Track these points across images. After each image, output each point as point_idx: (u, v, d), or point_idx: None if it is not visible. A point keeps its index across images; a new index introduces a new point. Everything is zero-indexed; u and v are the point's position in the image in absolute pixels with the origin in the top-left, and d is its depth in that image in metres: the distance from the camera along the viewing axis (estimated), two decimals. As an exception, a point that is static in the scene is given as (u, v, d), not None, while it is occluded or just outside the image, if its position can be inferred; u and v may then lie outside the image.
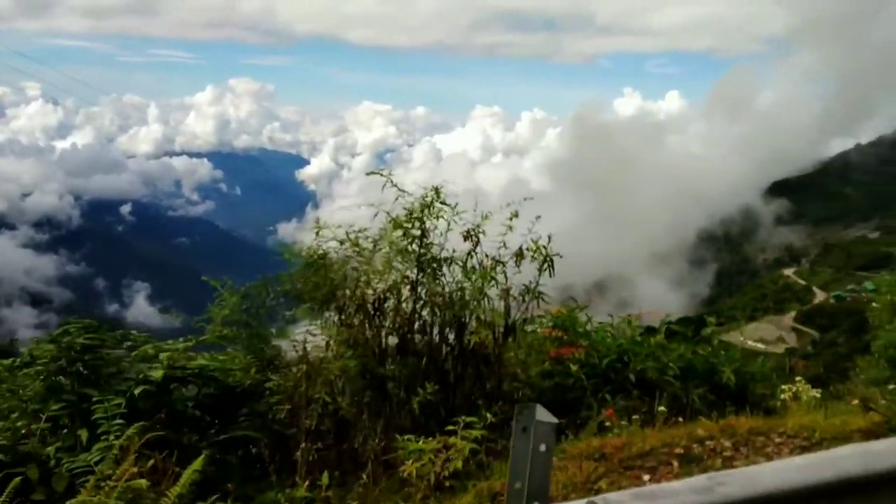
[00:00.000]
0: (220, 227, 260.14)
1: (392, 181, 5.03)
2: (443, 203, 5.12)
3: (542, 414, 1.60)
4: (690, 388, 7.34)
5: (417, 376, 5.09)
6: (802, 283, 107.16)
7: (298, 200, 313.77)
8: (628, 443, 3.88)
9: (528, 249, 5.10)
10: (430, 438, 4.57)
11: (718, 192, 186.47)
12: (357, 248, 5.10)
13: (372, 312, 4.87)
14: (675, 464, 3.60)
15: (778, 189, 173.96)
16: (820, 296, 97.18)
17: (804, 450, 3.39)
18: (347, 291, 4.91)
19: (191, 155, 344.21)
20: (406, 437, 4.63)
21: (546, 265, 5.17)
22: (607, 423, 5.65)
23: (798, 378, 5.57)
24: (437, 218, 5.23)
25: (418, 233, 5.12)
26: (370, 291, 4.86)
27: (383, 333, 5.05)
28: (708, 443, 3.72)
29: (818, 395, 5.20)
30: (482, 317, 4.79)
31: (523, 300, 4.89)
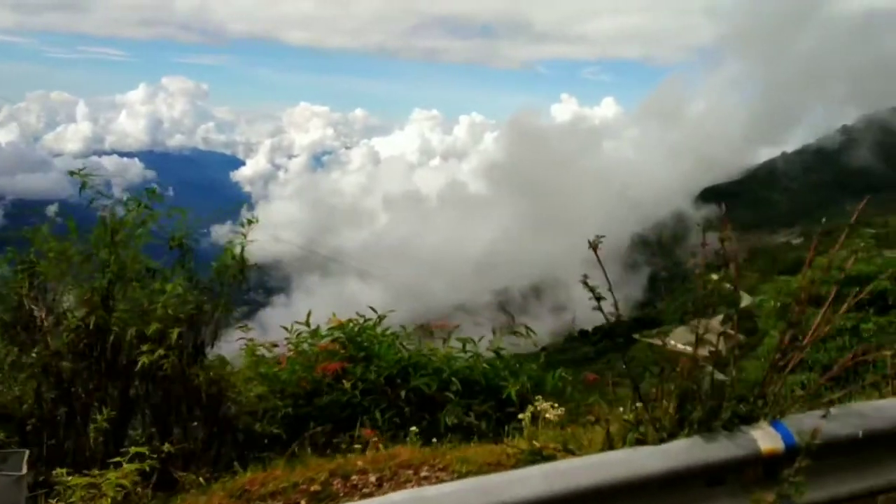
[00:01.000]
0: (151, 229, 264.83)
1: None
2: (146, 208, 4.77)
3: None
4: (474, 404, 7.26)
5: (99, 400, 4.70)
6: (730, 287, 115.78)
7: (233, 202, 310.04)
8: (278, 476, 3.62)
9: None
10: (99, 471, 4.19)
11: (651, 198, 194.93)
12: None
13: (40, 328, 4.47)
14: (303, 503, 3.37)
15: (708, 195, 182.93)
16: (746, 300, 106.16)
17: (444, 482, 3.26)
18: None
19: (121, 154, 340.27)
20: (64, 470, 4.22)
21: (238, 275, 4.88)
22: (373, 442, 5.44)
23: (538, 397, 5.46)
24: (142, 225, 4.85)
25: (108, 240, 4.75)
26: (39, 306, 4.46)
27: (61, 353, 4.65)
28: (355, 477, 3.52)
29: (560, 414, 5.12)
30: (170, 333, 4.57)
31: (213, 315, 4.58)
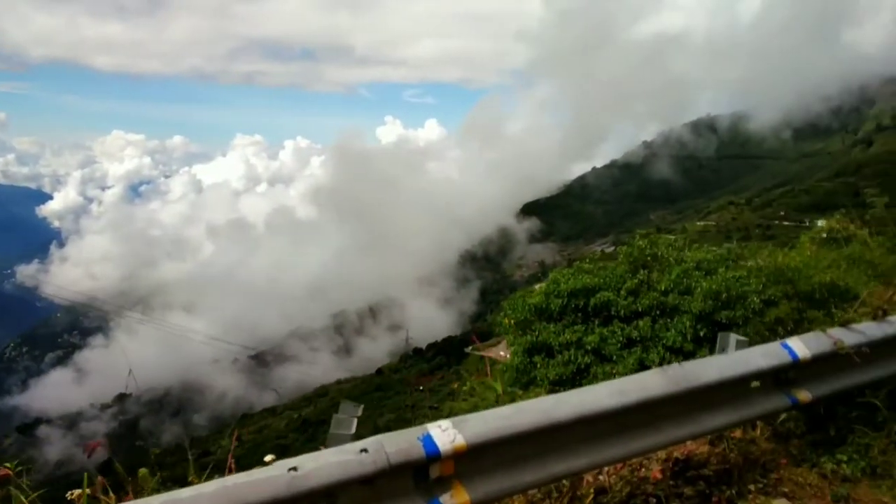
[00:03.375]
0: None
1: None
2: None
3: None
4: None
5: None
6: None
7: (41, 239, 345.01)
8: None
9: None
10: None
11: (476, 214, 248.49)
12: None
13: None
14: None
15: (529, 209, 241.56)
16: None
17: None
18: None
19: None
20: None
21: None
22: None
23: None
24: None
25: None
26: None
27: None
28: None
29: None
30: None
31: None
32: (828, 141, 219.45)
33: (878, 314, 5.23)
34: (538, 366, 10.34)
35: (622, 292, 10.59)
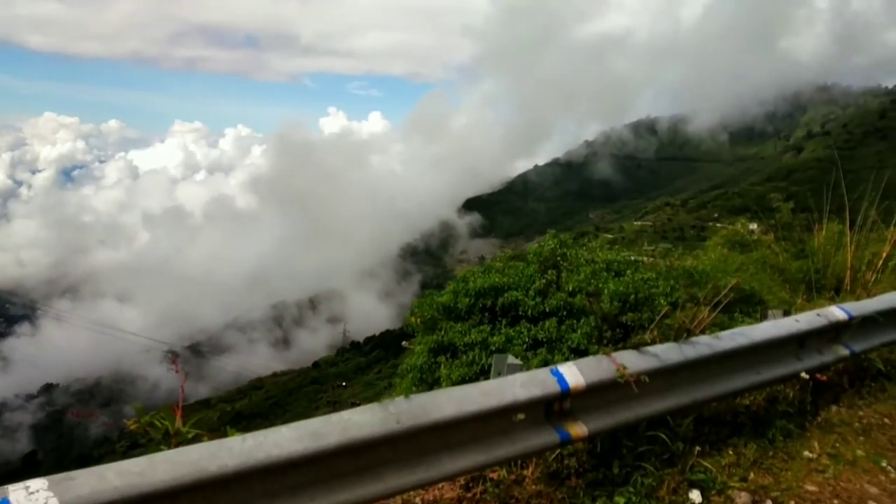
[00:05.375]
0: None
1: None
2: None
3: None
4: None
5: None
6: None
7: None
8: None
9: None
10: None
11: (418, 208, 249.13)
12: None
13: None
14: None
15: (471, 205, 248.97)
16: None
17: None
18: None
19: None
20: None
21: None
22: None
23: None
24: None
25: None
26: None
27: None
28: None
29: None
30: None
31: None
32: (762, 145, 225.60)
33: (682, 335, 4.57)
34: (442, 366, 9.86)
35: (531, 292, 10.20)
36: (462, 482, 4.18)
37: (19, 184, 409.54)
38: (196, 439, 3.31)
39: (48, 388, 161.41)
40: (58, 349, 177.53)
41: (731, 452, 4.79)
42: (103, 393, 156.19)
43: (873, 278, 8.08)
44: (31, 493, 2.60)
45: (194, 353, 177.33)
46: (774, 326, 5.42)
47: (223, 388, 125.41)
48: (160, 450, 3.15)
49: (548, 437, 4.03)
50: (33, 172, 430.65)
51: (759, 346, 5.13)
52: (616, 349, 4.33)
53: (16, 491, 2.59)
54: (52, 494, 2.61)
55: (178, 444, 3.26)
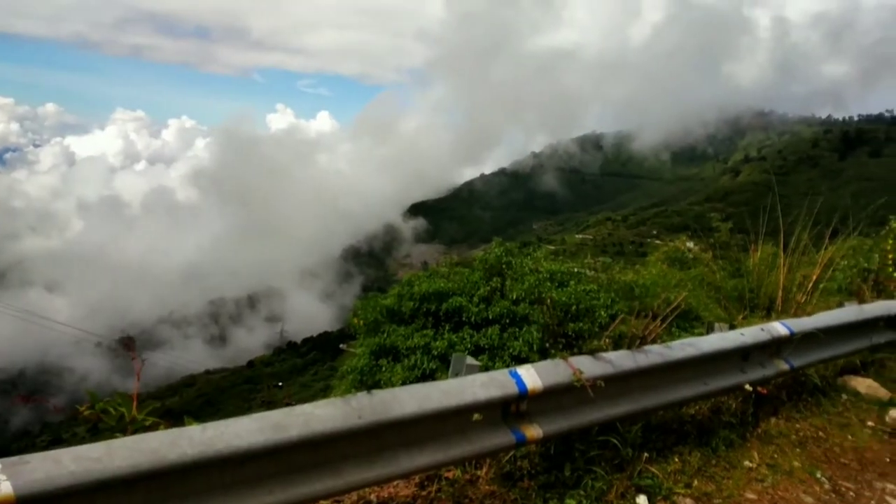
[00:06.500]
0: None
1: None
2: None
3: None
4: None
5: None
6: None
7: None
8: None
9: None
10: None
11: (363, 210, 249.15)
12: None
13: None
14: None
15: (416, 209, 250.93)
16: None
17: None
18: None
19: None
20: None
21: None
22: None
23: None
24: None
25: None
26: None
27: None
28: None
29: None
30: None
31: None
32: (702, 166, 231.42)
33: (635, 342, 4.67)
34: (384, 369, 10.02)
35: (475, 299, 10.36)
36: (417, 480, 4.19)
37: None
38: (153, 428, 3.25)
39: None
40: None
41: (676, 460, 4.91)
42: (27, 384, 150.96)
43: (804, 299, 8.40)
44: (-17, 476, 2.51)
45: (125, 346, 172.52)
46: (721, 339, 5.58)
47: (154, 383, 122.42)
48: (115, 437, 3.08)
49: (504, 437, 4.07)
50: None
51: (706, 358, 5.27)
52: (572, 354, 4.39)
53: (-39, 477, 2.50)
54: (4, 478, 2.54)
55: (134, 432, 3.19)
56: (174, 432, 2.96)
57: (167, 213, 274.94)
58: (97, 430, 3.30)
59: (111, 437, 3.13)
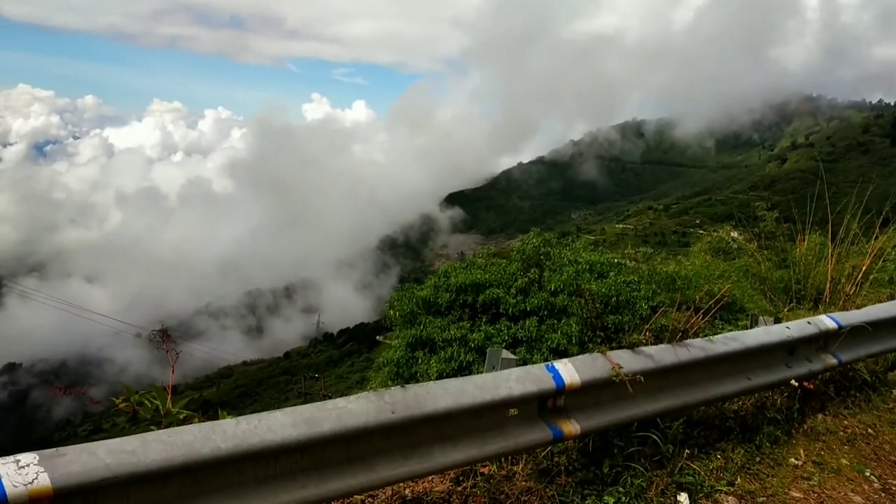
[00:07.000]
0: None
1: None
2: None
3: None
4: None
5: None
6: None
7: None
8: None
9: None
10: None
11: (399, 200, 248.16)
12: None
13: None
14: None
15: (453, 199, 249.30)
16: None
17: None
18: None
19: None
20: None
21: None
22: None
23: None
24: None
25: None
26: None
27: None
28: None
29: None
30: None
31: None
32: (747, 153, 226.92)
33: (676, 336, 4.60)
34: (420, 361, 10.01)
35: (512, 290, 10.30)
36: (452, 476, 4.19)
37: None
38: (187, 421, 3.28)
39: (11, 368, 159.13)
40: (22, 328, 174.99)
41: (719, 457, 4.83)
42: (68, 374, 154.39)
43: (853, 291, 8.18)
44: (21, 467, 2.57)
45: (163, 337, 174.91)
46: (766, 333, 5.47)
47: (192, 374, 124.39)
48: (150, 430, 3.11)
49: (540, 433, 4.04)
50: (4, 146, 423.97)
51: (750, 352, 5.18)
52: (611, 348, 4.34)
53: (6, 464, 2.56)
54: (42, 469, 2.58)
55: (168, 425, 3.23)
56: (207, 426, 2.99)
57: (204, 205, 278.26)
58: (136, 420, 3.33)
59: (147, 429, 3.16)
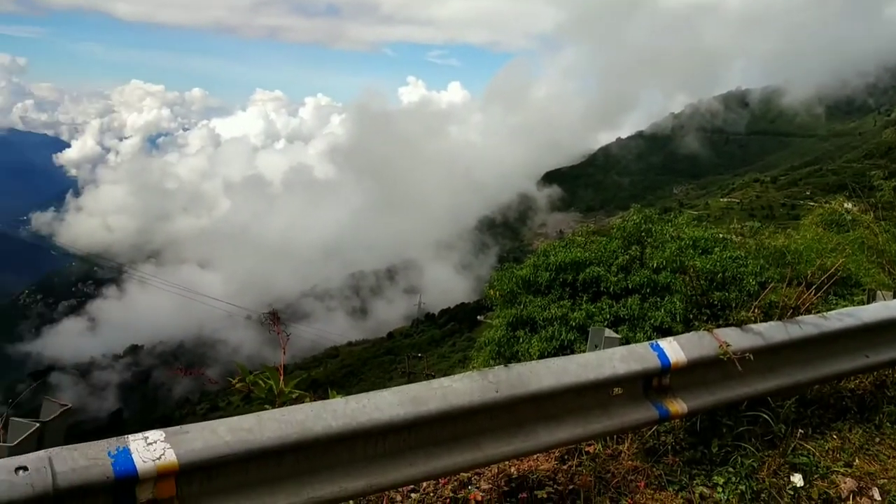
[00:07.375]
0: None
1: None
2: None
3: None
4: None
5: None
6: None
7: (57, 187, 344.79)
8: None
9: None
10: None
11: (496, 180, 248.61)
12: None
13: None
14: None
15: (551, 177, 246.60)
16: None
17: None
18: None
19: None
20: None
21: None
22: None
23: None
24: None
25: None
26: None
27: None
28: None
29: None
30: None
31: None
32: (861, 120, 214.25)
33: (787, 313, 4.45)
34: (521, 340, 9.97)
35: (613, 268, 10.19)
36: (557, 454, 4.19)
37: (107, 150, 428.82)
38: (299, 400, 3.40)
39: (134, 350, 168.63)
40: (142, 312, 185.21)
41: (835, 437, 4.65)
42: (186, 355, 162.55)
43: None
44: (150, 443, 2.73)
45: (273, 319, 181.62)
46: (885, 308, 5.21)
47: (300, 355, 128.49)
48: (265, 408, 3.25)
49: (646, 412, 3.99)
50: (120, 139, 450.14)
51: (868, 328, 4.94)
52: (717, 326, 4.23)
53: (135, 441, 2.72)
54: (168, 446, 2.74)
55: (282, 404, 3.36)
56: (319, 405, 3.10)
57: (306, 190, 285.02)
58: (249, 400, 3.49)
59: (261, 408, 3.29)
